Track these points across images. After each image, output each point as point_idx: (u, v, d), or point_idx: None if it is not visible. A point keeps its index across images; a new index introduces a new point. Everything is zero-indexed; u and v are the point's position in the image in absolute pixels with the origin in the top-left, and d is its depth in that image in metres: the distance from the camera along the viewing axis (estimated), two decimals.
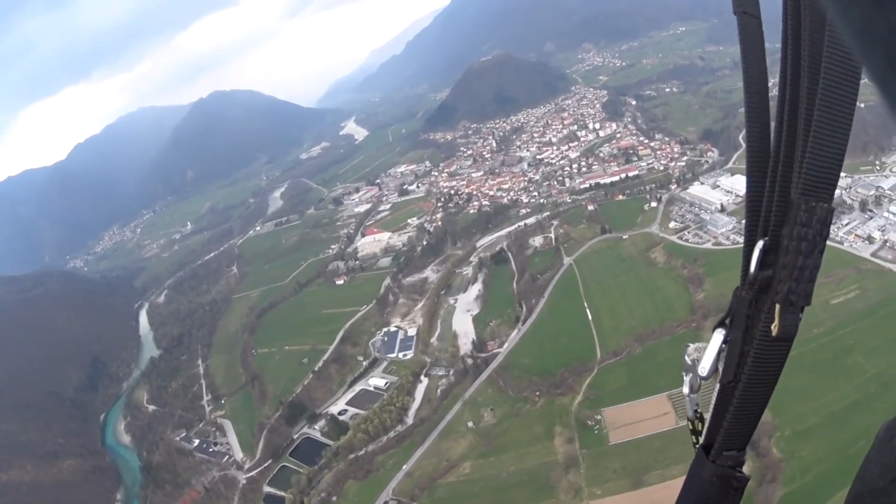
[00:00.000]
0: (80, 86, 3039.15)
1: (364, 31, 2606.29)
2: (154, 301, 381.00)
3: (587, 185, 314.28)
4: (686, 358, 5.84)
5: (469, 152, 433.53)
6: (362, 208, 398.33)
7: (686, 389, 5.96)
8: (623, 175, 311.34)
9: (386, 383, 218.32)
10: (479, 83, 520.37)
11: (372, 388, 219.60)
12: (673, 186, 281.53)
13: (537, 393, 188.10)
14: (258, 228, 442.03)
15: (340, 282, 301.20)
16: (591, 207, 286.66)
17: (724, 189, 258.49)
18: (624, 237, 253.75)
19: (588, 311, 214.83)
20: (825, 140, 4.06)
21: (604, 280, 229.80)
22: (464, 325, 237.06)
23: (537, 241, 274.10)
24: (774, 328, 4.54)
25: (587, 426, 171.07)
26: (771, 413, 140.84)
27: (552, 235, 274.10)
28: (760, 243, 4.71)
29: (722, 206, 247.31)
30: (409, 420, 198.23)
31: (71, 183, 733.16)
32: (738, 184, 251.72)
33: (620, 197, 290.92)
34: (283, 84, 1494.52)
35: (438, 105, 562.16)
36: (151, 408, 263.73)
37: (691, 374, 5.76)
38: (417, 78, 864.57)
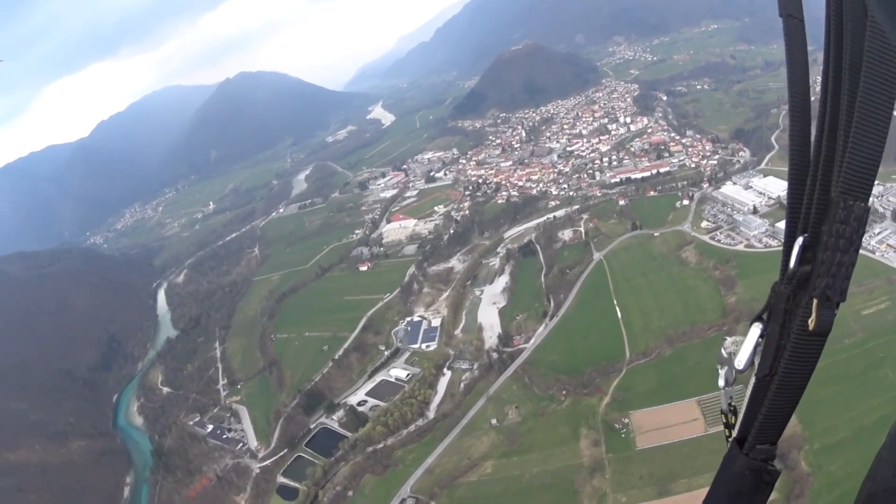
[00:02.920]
0: (105, 63, 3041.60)
1: (393, 17, 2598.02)
2: (173, 280, 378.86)
3: (618, 180, 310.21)
4: (723, 350, 5.99)
5: (498, 141, 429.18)
6: (388, 194, 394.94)
7: (721, 382, 6.12)
8: (654, 171, 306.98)
9: (408, 375, 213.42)
10: (509, 72, 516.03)
11: (393, 380, 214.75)
12: (705, 185, 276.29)
13: (564, 392, 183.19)
14: (281, 210, 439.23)
15: (364, 268, 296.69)
16: (622, 202, 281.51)
17: (757, 190, 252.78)
18: (655, 234, 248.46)
19: (617, 309, 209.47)
20: (864, 141, 4.30)
21: (634, 278, 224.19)
22: (489, 318, 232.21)
23: (566, 234, 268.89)
24: (811, 322, 4.70)
25: (614, 429, 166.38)
26: (801, 425, 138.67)
27: (582, 229, 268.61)
28: (800, 239, 4.91)
29: (755, 207, 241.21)
30: (431, 414, 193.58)
31: (94, 160, 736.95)
32: (771, 185, 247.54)
33: (652, 193, 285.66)
34: (311, 67, 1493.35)
35: (467, 93, 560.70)
36: (166, 390, 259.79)
37: (727, 367, 5.92)
38: (446, 65, 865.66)
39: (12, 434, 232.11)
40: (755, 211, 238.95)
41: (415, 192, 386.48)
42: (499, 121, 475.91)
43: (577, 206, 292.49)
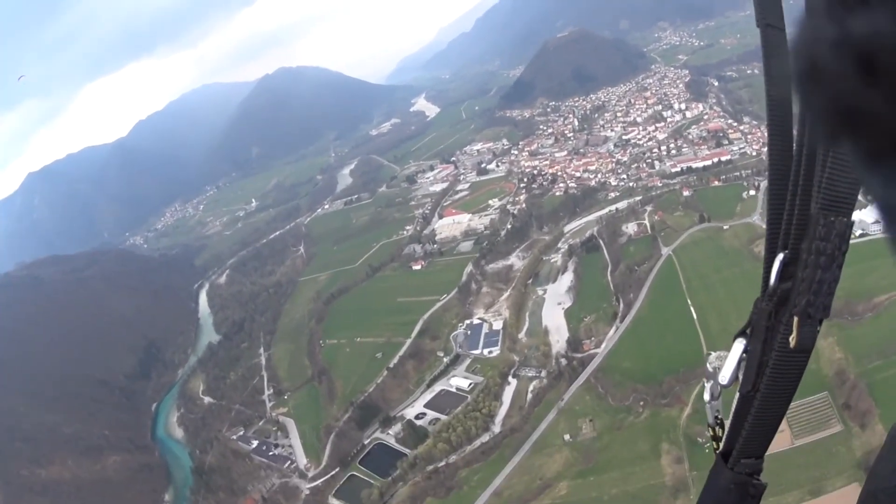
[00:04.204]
0: (142, 62, 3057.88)
1: (432, 9, 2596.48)
2: (215, 282, 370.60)
3: (678, 169, 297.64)
4: (708, 366, 6.37)
5: (549, 131, 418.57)
6: (438, 187, 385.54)
7: (707, 396, 6.27)
8: (716, 159, 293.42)
9: (470, 384, 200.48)
10: (556, 60, 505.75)
11: (454, 390, 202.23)
12: None
13: (641, 403, 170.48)
14: (326, 206, 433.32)
15: (417, 267, 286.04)
16: (686, 193, 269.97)
17: None
18: (724, 227, 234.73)
19: (692, 309, 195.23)
20: (846, 155, 3.95)
21: (707, 274, 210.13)
22: (555, 320, 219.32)
23: (630, 227, 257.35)
24: (793, 340, 4.70)
25: (697, 444, 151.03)
26: None
27: (646, 222, 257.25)
28: (780, 256, 4.90)
29: None
30: (497, 429, 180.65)
31: (132, 160, 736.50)
32: None
33: (716, 183, 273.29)
34: (351, 61, 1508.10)
35: (514, 82, 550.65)
36: (207, 400, 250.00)
37: (712, 382, 6.03)
38: (488, 55, 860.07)
39: (46, 449, 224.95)
40: None
41: (466, 185, 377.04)
42: (548, 109, 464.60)
43: (638, 198, 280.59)
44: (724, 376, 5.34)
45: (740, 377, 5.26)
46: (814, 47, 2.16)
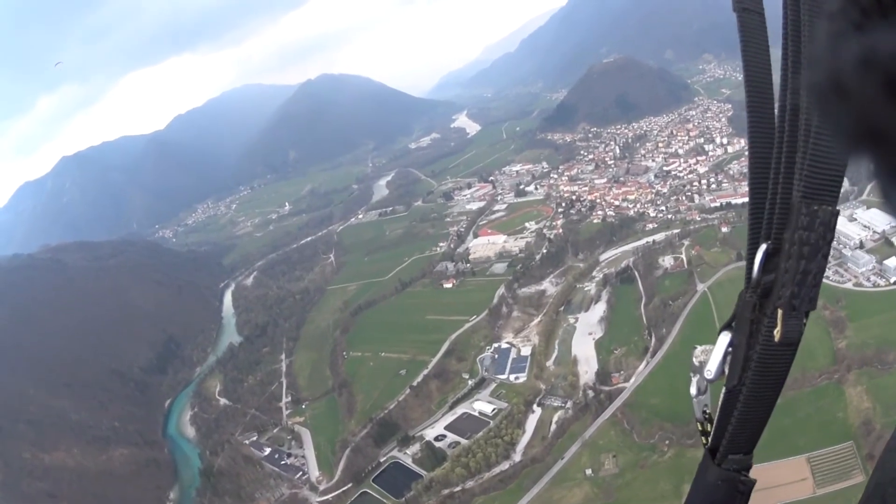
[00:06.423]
0: (184, 57, 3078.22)
1: (478, 26, 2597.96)
2: (241, 282, 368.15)
3: (718, 204, 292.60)
4: (694, 359, 6.35)
5: (590, 156, 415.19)
6: (474, 206, 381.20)
7: (693, 391, 6.09)
8: None
9: (493, 409, 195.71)
10: (600, 85, 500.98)
11: (476, 414, 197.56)
12: None
13: (667, 441, 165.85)
14: (360, 216, 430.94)
15: (448, 285, 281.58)
16: (724, 229, 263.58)
17: (862, 223, 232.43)
18: None
19: None
20: (828, 140, 4.10)
21: None
22: (585, 350, 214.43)
23: (667, 261, 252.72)
24: (777, 333, 4.68)
25: None
26: None
27: (683, 257, 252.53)
28: (763, 247, 4.87)
29: (861, 242, 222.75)
30: (517, 457, 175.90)
31: (168, 153, 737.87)
32: (876, 218, 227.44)
33: None
34: (393, 72, 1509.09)
35: (557, 105, 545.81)
36: (223, 401, 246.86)
37: (698, 376, 5.90)
38: (532, 76, 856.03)
39: (51, 434, 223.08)
40: (861, 246, 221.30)
41: (503, 206, 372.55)
42: (590, 135, 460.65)
43: (676, 231, 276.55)
44: (710, 370, 5.27)
45: (727, 371, 5.20)
46: (836, 62, 2.11)
